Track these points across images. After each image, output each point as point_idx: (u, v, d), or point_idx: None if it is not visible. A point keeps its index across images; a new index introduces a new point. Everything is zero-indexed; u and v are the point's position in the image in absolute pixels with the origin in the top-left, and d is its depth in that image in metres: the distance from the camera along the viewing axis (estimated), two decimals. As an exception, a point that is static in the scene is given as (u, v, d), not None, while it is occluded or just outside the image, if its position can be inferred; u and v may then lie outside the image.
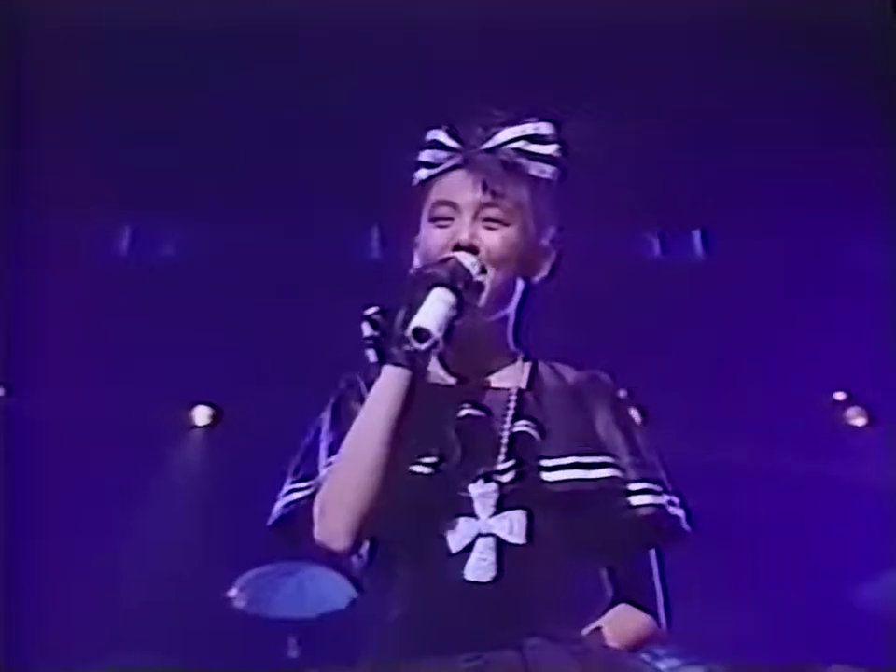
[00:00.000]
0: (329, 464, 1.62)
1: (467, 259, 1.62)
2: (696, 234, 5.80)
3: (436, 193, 1.69)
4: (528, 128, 1.69)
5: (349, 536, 1.55)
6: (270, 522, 1.69)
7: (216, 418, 6.42)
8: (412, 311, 1.56)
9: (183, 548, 5.81)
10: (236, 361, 5.77)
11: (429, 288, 1.57)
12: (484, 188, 1.65)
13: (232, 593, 4.45)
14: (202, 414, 6.42)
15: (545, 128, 1.70)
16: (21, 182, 4.73)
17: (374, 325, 1.59)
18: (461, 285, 1.59)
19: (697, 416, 6.19)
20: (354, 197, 4.98)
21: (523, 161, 1.67)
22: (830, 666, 5.16)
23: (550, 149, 1.69)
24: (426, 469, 1.60)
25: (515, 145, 1.68)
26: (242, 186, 5.08)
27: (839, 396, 6.45)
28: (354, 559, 1.66)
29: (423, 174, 1.72)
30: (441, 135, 1.71)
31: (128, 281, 5.56)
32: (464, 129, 1.70)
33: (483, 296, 1.64)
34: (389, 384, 1.57)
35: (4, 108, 4.39)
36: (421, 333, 1.54)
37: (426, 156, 1.72)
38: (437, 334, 1.55)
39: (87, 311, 5.50)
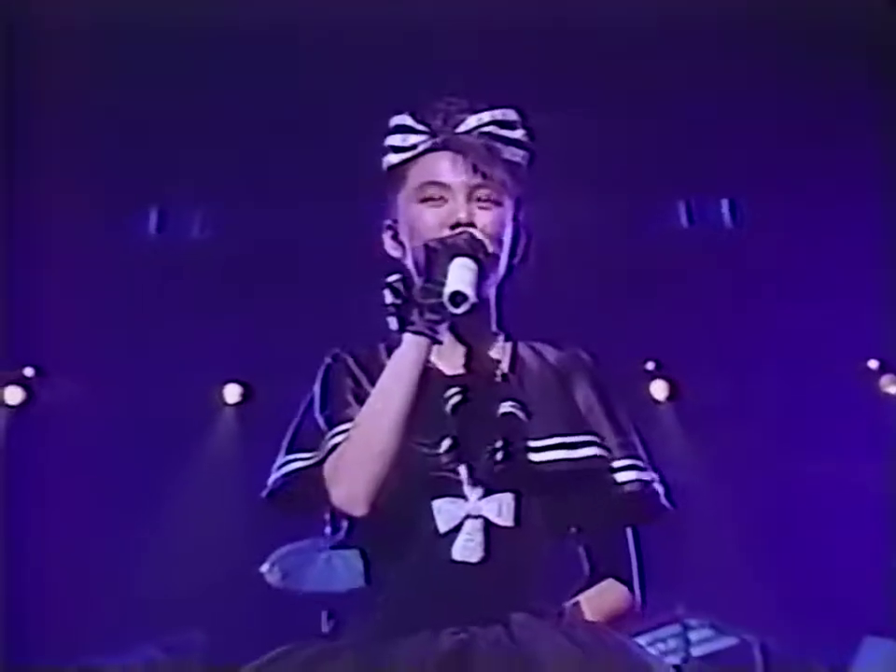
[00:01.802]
0: (334, 435, 1.64)
1: (477, 233, 1.65)
2: (724, 203, 5.76)
3: (420, 175, 1.71)
4: (497, 113, 1.72)
5: (368, 500, 1.56)
6: (266, 492, 1.71)
7: (246, 396, 6.45)
8: (432, 280, 1.57)
9: (214, 525, 5.85)
10: (266, 340, 5.79)
11: (450, 258, 1.58)
12: (475, 169, 1.68)
13: (265, 568, 4.48)
14: (232, 393, 6.46)
15: (511, 114, 1.73)
16: (45, 168, 4.76)
17: (396, 293, 1.60)
18: (481, 254, 1.62)
19: (727, 387, 6.17)
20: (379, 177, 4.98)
21: (498, 144, 1.71)
22: (865, 638, 5.15)
23: (518, 134, 1.72)
24: (419, 450, 1.62)
25: (487, 129, 1.71)
26: (269, 167, 5.08)
27: (872, 364, 6.40)
28: (328, 531, 1.68)
29: (393, 158, 1.74)
30: (407, 120, 1.74)
31: (158, 262, 5.59)
32: (429, 113, 1.73)
33: (497, 270, 1.68)
34: (410, 351, 1.59)
35: (25, 95, 4.42)
36: (457, 297, 1.56)
37: (394, 140, 1.74)
38: (473, 298, 1.57)
39: (118, 292, 5.53)
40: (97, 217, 5.35)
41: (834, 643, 5.22)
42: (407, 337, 1.59)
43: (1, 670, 5.28)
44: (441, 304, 1.57)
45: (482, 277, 1.61)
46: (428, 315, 1.57)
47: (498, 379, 1.70)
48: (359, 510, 1.57)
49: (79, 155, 4.84)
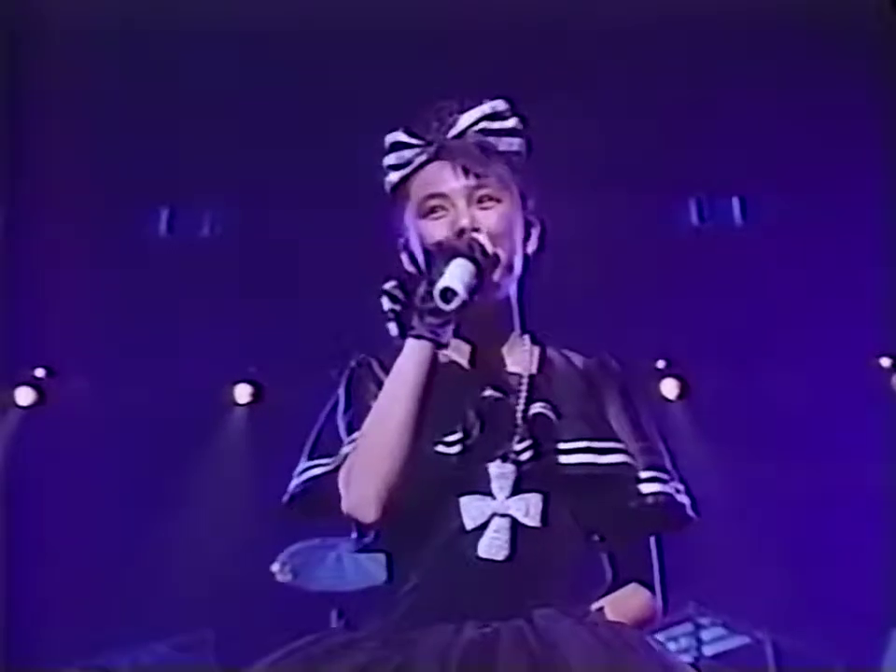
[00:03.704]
0: (352, 441, 1.64)
1: (479, 237, 1.65)
2: (735, 202, 5.75)
3: (420, 189, 1.71)
4: (486, 108, 1.72)
5: (378, 506, 1.55)
6: (286, 498, 1.70)
7: (256, 396, 6.47)
8: (431, 283, 1.58)
9: (225, 524, 5.86)
10: (277, 340, 5.80)
11: (449, 260, 1.59)
12: (466, 172, 1.69)
13: (275, 567, 4.49)
14: (243, 393, 6.47)
15: (500, 105, 1.72)
16: (55, 169, 4.77)
17: (393, 299, 1.60)
18: (479, 256, 1.62)
19: (738, 386, 6.15)
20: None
21: (491, 139, 1.70)
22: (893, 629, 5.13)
23: (511, 123, 1.72)
24: (445, 449, 1.61)
25: (479, 126, 1.71)
26: (281, 167, 5.08)
27: (885, 362, 6.38)
28: (355, 534, 1.67)
29: (393, 177, 1.74)
30: (401, 136, 1.74)
31: (168, 262, 5.59)
32: (422, 125, 1.73)
33: (499, 269, 1.67)
34: (412, 355, 1.59)
35: (34, 95, 4.43)
36: (448, 293, 1.56)
37: (391, 159, 1.74)
38: (463, 295, 1.56)
39: (128, 292, 5.54)
40: (107, 217, 5.36)
41: (845, 641, 5.20)
42: (409, 342, 1.59)
43: (14, 669, 5.29)
44: (445, 312, 1.56)
45: (480, 277, 1.60)
46: (429, 319, 1.57)
47: (526, 380, 1.70)
48: (369, 516, 1.56)
49: (90, 155, 4.85)
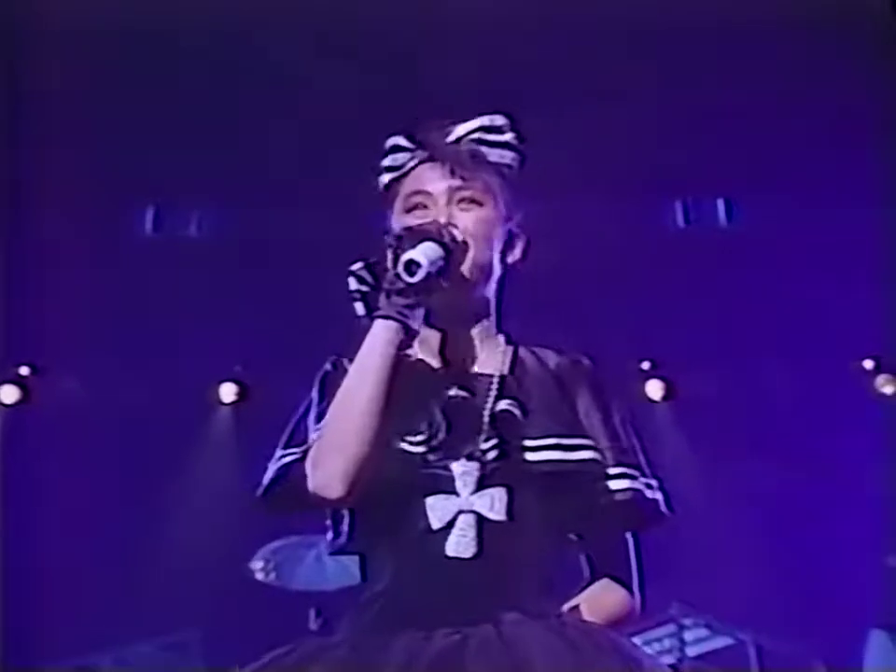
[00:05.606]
0: (318, 429, 1.65)
1: (451, 228, 1.67)
2: (720, 204, 5.76)
3: (407, 187, 1.75)
4: (484, 120, 1.76)
5: (344, 483, 1.56)
6: (260, 491, 1.70)
7: (241, 395, 6.46)
8: (398, 264, 1.60)
9: (210, 524, 5.85)
10: (262, 339, 5.80)
11: (417, 243, 1.61)
12: (452, 173, 1.72)
13: (256, 566, 4.48)
14: (228, 392, 6.46)
15: (499, 119, 1.76)
16: (42, 168, 4.76)
17: (360, 279, 1.62)
18: (448, 240, 1.64)
19: (723, 388, 6.17)
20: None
21: (483, 149, 1.74)
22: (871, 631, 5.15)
23: (506, 137, 1.75)
24: (410, 447, 1.62)
25: (474, 136, 1.75)
26: (267, 167, 5.08)
27: (868, 364, 6.41)
28: (330, 535, 1.68)
29: (386, 178, 1.78)
30: (400, 140, 1.78)
31: (154, 261, 5.58)
32: (421, 131, 1.77)
33: (468, 261, 1.68)
34: (379, 335, 1.60)
35: (25, 96, 4.43)
36: (412, 266, 1.58)
37: (387, 161, 1.78)
38: (427, 267, 1.58)
39: (114, 291, 5.53)
40: (94, 216, 5.35)
41: (829, 641, 5.23)
42: (376, 323, 1.60)
43: (10, 669, 5.27)
44: (409, 286, 1.58)
45: (448, 261, 1.62)
46: (395, 299, 1.59)
47: (496, 378, 1.71)
48: (335, 492, 1.56)
49: (76, 154, 4.83)
